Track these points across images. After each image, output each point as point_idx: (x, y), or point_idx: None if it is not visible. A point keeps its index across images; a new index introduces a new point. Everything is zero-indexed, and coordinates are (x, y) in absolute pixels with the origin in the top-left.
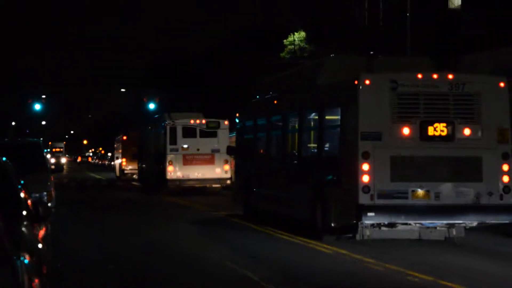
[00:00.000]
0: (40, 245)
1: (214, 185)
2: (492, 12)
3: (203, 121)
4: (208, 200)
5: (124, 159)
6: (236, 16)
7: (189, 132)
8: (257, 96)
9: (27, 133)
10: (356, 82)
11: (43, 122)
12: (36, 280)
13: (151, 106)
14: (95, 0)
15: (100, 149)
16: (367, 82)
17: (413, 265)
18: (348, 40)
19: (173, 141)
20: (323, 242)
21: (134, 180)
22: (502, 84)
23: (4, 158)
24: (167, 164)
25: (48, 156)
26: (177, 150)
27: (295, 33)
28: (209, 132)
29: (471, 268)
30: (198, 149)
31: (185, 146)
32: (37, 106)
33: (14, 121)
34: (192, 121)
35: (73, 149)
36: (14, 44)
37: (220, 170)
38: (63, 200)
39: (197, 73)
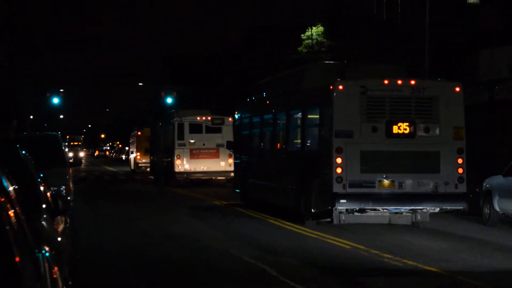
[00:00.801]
0: (59, 238)
1: (219, 178)
2: (511, 7)
3: (209, 118)
4: (212, 192)
5: (138, 153)
6: (253, 11)
7: (196, 128)
8: (252, 96)
9: (45, 127)
10: (331, 87)
11: (61, 116)
12: (56, 268)
13: (169, 100)
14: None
15: (118, 143)
16: (340, 87)
17: (377, 244)
18: (365, 34)
19: (181, 137)
20: (306, 226)
21: (148, 173)
22: (457, 89)
23: (23, 152)
24: (175, 158)
25: (66, 150)
26: (184, 145)
27: (313, 28)
28: (214, 128)
29: (427, 247)
30: (204, 144)
31: (192, 141)
32: (55, 100)
33: (32, 115)
34: (198, 118)
35: (90, 143)
36: (32, 39)
37: (224, 164)
38: (81, 192)
39: (215, 68)
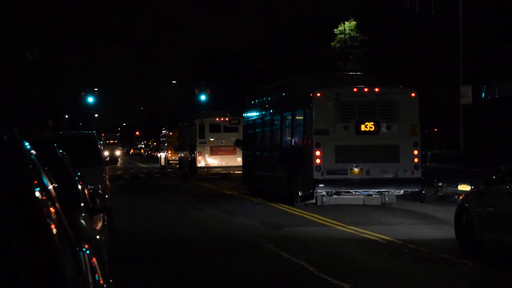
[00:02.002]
0: (98, 236)
1: (236, 172)
2: None
3: (227, 119)
4: (227, 184)
5: (169, 152)
6: (287, 7)
7: (215, 128)
8: (256, 100)
9: (80, 125)
10: (311, 94)
11: (96, 115)
12: (94, 258)
13: (203, 97)
14: None
15: (152, 140)
16: (318, 94)
17: (350, 220)
18: (399, 28)
19: (202, 135)
20: (295, 207)
21: (177, 169)
22: (413, 94)
23: (60, 151)
24: (197, 154)
25: (102, 148)
26: (205, 142)
27: (346, 22)
28: (232, 128)
29: (390, 222)
30: (222, 142)
31: (212, 139)
32: (90, 99)
33: (67, 114)
34: (217, 119)
35: (125, 141)
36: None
37: (240, 159)
38: (117, 190)
39: (249, 65)
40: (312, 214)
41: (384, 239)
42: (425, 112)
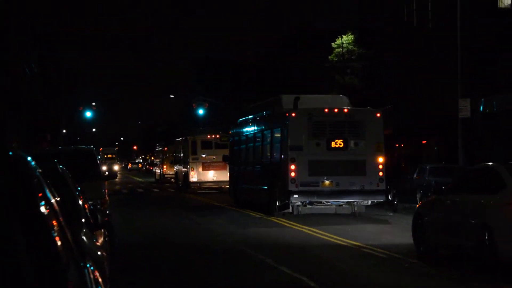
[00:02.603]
0: (99, 252)
1: (226, 186)
2: None
3: (217, 136)
4: (217, 197)
5: (165, 166)
6: (283, 21)
7: (207, 145)
8: (241, 119)
9: (78, 140)
10: (287, 114)
11: (93, 129)
12: (96, 272)
13: (200, 112)
14: (143, 7)
15: (150, 155)
16: (293, 114)
17: (322, 228)
18: (396, 41)
19: (194, 152)
20: (274, 216)
21: (172, 183)
22: (378, 115)
23: (60, 166)
24: (190, 169)
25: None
26: (197, 158)
27: (343, 36)
28: (222, 144)
29: (358, 229)
30: (214, 158)
31: (204, 155)
32: (88, 114)
33: (65, 129)
34: (208, 136)
35: (123, 156)
36: (63, 51)
37: None
38: (115, 204)
39: (245, 78)
40: (291, 223)
41: (346, 242)
42: (423, 124)
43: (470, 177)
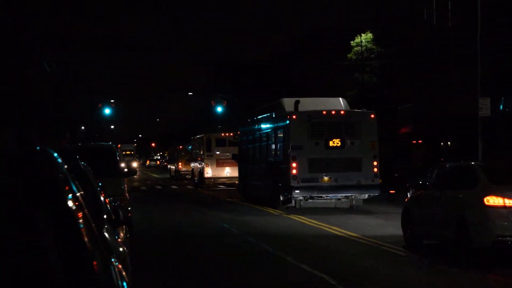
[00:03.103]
0: (121, 249)
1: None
2: None
3: (231, 134)
4: (229, 192)
5: (180, 163)
6: (303, 18)
7: (221, 142)
8: (249, 119)
9: (97, 137)
10: (288, 116)
11: (112, 126)
12: (120, 265)
13: (219, 109)
14: (161, 5)
15: (168, 152)
16: (294, 116)
17: (322, 220)
18: (415, 40)
19: (209, 149)
20: (278, 209)
21: (187, 179)
22: (372, 116)
23: (82, 163)
24: (205, 166)
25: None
26: (212, 155)
27: (362, 35)
28: (236, 142)
29: (356, 221)
30: (227, 155)
31: (218, 152)
32: (107, 111)
33: (84, 126)
34: (223, 134)
35: (141, 153)
36: (82, 48)
37: None
38: (135, 201)
39: (265, 76)
40: (294, 216)
41: (342, 232)
42: (442, 123)
43: (450, 175)
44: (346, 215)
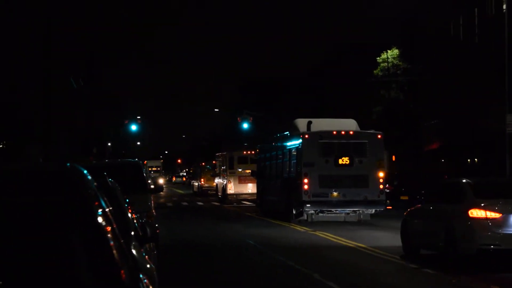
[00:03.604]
0: (148, 265)
1: None
2: None
3: (253, 152)
4: (249, 208)
5: (203, 179)
6: (329, 36)
7: (243, 160)
8: (266, 138)
9: (123, 153)
10: (301, 136)
11: (138, 143)
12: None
13: (245, 125)
14: (187, 20)
15: (193, 168)
16: (306, 136)
17: (332, 232)
18: (442, 56)
19: (231, 166)
20: (291, 223)
21: (210, 194)
22: (379, 136)
23: (110, 179)
24: (227, 182)
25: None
26: (234, 172)
27: (389, 51)
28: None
29: (363, 233)
30: (249, 172)
31: (240, 170)
32: (133, 127)
33: (110, 142)
34: (244, 152)
35: (168, 169)
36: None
37: None
38: (161, 217)
39: (291, 93)
40: (305, 228)
41: (350, 243)
42: (469, 139)
43: (443, 190)
44: (354, 227)
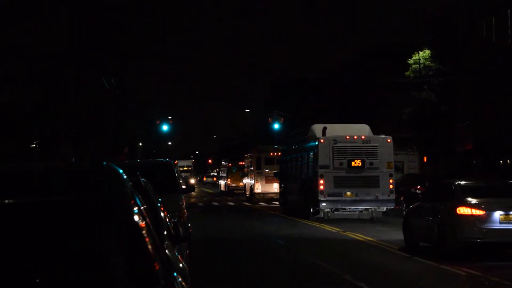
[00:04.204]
0: (180, 265)
1: None
2: None
3: (279, 154)
4: (274, 207)
5: (229, 179)
6: (359, 36)
7: (270, 161)
8: (287, 141)
9: (154, 153)
10: (317, 140)
11: (169, 143)
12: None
13: (276, 126)
14: (216, 21)
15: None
16: (322, 141)
17: (346, 228)
18: (474, 57)
19: (259, 167)
20: (309, 220)
21: (236, 194)
22: (389, 140)
23: (143, 179)
24: (255, 182)
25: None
26: (261, 173)
27: (420, 52)
28: None
29: (374, 229)
30: (275, 172)
31: (267, 170)
32: (165, 127)
33: (141, 142)
34: (271, 154)
35: (198, 169)
36: (138, 64)
37: None
38: (192, 214)
39: (323, 93)
40: (322, 224)
41: (361, 238)
42: (500, 142)
43: (437, 190)
44: (366, 224)
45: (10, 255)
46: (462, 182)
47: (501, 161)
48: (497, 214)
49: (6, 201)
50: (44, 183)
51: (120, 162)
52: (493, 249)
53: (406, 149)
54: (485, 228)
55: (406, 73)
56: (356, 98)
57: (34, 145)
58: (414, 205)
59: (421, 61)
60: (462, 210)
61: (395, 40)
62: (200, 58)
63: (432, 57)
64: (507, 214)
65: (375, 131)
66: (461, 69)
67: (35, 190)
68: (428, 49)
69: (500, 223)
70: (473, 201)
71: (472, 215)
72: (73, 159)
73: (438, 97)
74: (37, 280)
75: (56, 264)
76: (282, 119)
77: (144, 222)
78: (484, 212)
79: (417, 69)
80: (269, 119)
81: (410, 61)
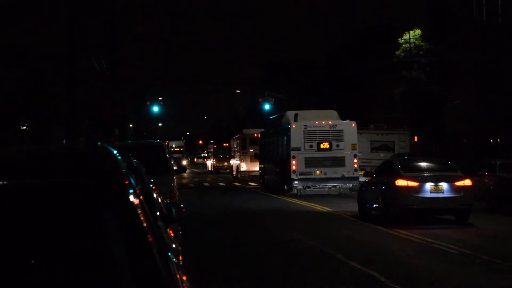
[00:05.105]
0: (174, 245)
1: None
2: None
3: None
4: (257, 185)
5: (214, 160)
6: (349, 17)
7: (254, 141)
8: (266, 126)
9: (144, 135)
10: (289, 125)
11: (160, 124)
12: (184, 277)
13: (266, 107)
14: (209, 3)
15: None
16: (293, 126)
17: (315, 202)
18: (464, 36)
19: (244, 147)
20: (284, 196)
21: (222, 172)
22: (353, 125)
23: (135, 160)
24: (241, 161)
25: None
26: (246, 152)
27: (411, 32)
28: None
29: (340, 202)
30: (255, 153)
31: (251, 150)
32: (155, 109)
33: (132, 123)
34: (255, 135)
35: (189, 150)
36: (129, 46)
37: None
38: (184, 195)
39: (312, 73)
40: (295, 200)
41: (325, 209)
42: (492, 122)
43: (384, 166)
44: (333, 199)
45: (6, 236)
46: (401, 159)
47: (491, 140)
48: (428, 185)
49: (1, 182)
50: (42, 165)
51: (111, 143)
52: (426, 215)
53: (397, 128)
54: (419, 197)
55: (396, 53)
56: (346, 79)
57: (24, 127)
58: (366, 179)
59: (412, 40)
60: (400, 182)
61: (388, 21)
62: (191, 39)
63: (422, 37)
64: (436, 185)
65: (367, 112)
66: (451, 48)
67: (33, 172)
68: (419, 29)
69: (431, 192)
70: (409, 174)
71: (408, 186)
72: (64, 141)
73: (428, 77)
74: (32, 262)
75: (54, 246)
76: (273, 99)
77: (139, 202)
78: (418, 183)
79: (408, 48)
80: (260, 100)
81: (401, 41)
